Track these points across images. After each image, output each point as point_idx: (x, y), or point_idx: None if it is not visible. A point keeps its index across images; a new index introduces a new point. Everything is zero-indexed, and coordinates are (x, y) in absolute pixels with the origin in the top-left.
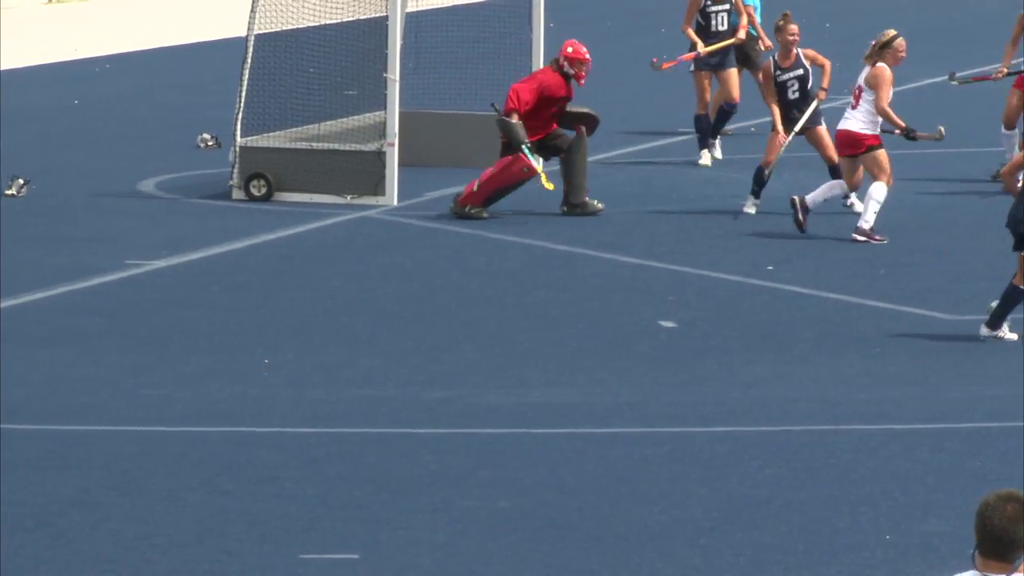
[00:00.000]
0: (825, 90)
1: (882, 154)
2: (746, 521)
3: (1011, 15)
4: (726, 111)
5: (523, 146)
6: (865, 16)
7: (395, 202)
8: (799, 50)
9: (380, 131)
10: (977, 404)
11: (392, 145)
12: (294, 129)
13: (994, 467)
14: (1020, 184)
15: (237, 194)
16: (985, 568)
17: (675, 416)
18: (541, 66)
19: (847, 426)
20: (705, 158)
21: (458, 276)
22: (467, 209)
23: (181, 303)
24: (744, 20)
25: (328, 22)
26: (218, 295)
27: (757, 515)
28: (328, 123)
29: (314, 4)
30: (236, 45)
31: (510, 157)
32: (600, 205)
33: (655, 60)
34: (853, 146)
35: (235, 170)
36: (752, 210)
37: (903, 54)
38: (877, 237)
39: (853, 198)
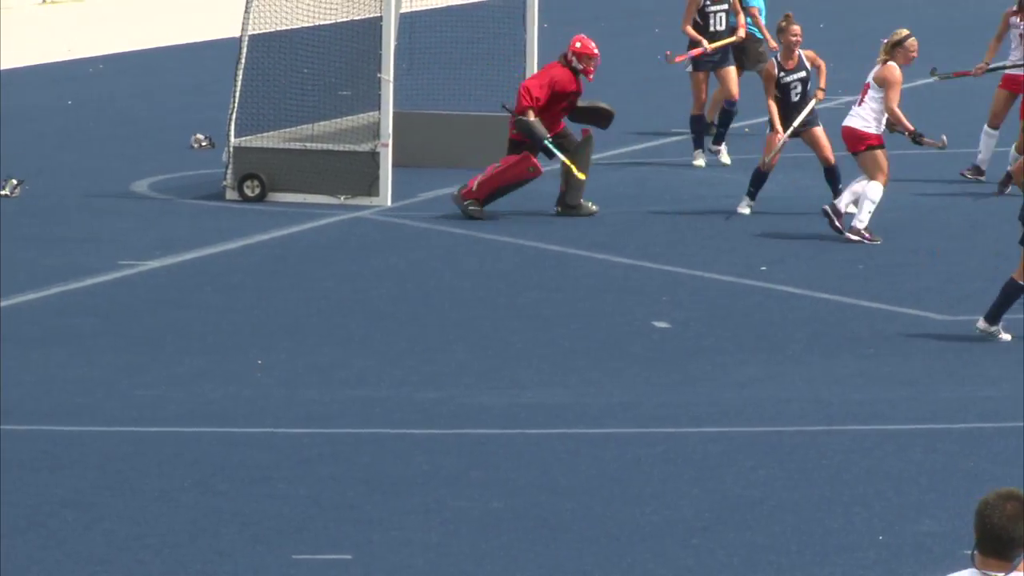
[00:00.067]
0: (823, 90)
1: (880, 154)
2: (739, 521)
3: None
4: (728, 112)
5: (546, 141)
6: (862, 16)
7: (389, 203)
8: (801, 52)
9: (374, 132)
10: (970, 405)
11: (386, 146)
12: (288, 129)
13: (987, 467)
14: None
15: (231, 194)
16: (984, 566)
17: (668, 416)
18: (535, 67)
19: (840, 426)
20: (699, 159)
21: (451, 277)
22: (467, 204)
23: (174, 304)
24: (742, 19)
25: (322, 23)
26: (212, 296)
27: (750, 515)
28: (322, 123)
29: (308, 5)
30: (230, 45)
31: (517, 156)
32: (595, 207)
33: (668, 53)
34: (854, 143)
35: (229, 170)
36: (746, 211)
37: (914, 54)
38: (871, 236)
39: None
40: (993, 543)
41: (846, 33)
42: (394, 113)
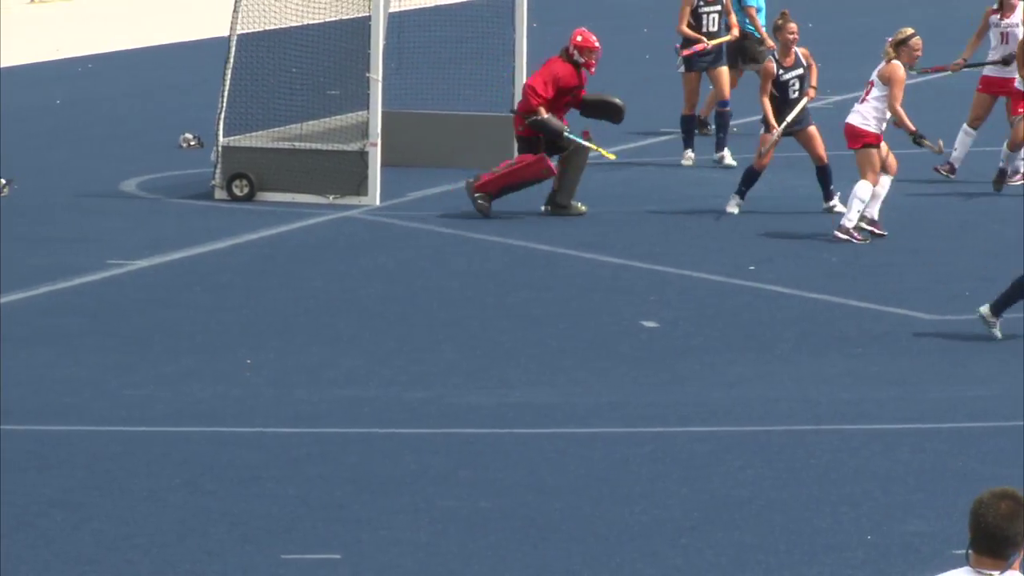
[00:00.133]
0: (815, 88)
1: (874, 153)
2: (727, 521)
3: None
4: (723, 115)
5: (565, 133)
6: (848, 15)
7: (378, 202)
8: (797, 49)
9: (363, 131)
10: (959, 404)
11: (375, 145)
12: (277, 129)
13: (975, 467)
14: None
15: (219, 194)
16: (979, 565)
17: (656, 416)
18: (524, 66)
19: (828, 426)
20: (688, 158)
21: (440, 276)
22: (476, 197)
23: (163, 303)
24: (734, 19)
25: (310, 22)
26: (200, 295)
27: (738, 515)
28: (311, 123)
29: (297, 4)
30: (218, 45)
31: (534, 156)
32: (584, 208)
33: (677, 46)
34: (851, 140)
35: (217, 170)
36: (735, 210)
37: (919, 52)
38: (858, 236)
39: (836, 200)
40: (988, 542)
41: (833, 32)
42: (383, 112)
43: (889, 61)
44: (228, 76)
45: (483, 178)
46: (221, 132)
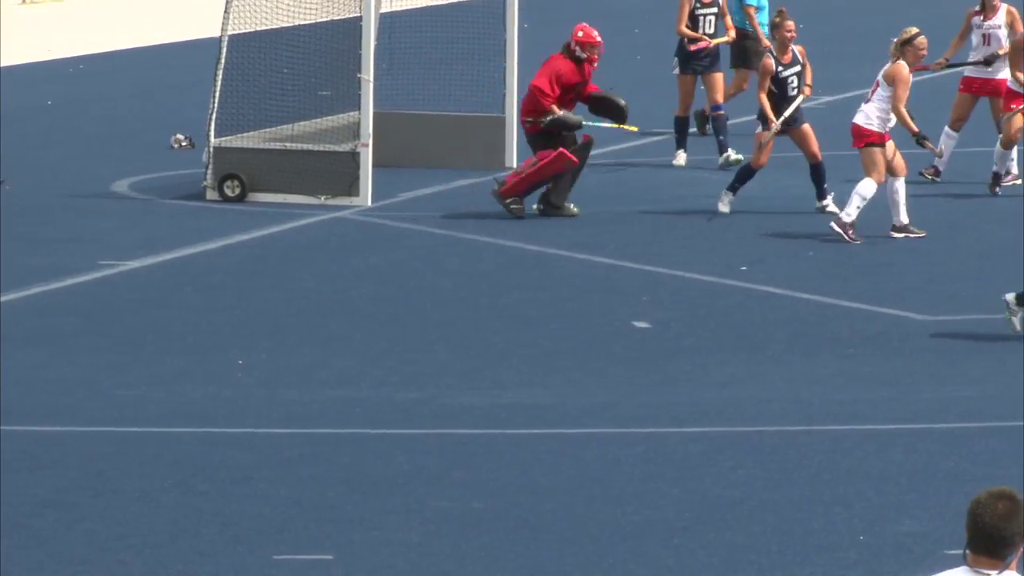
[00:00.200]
0: (810, 86)
1: (877, 152)
2: (719, 522)
3: None
4: (718, 118)
5: (585, 122)
6: (851, 16)
7: (369, 203)
8: (794, 47)
9: (354, 132)
10: (951, 405)
11: (366, 146)
12: (268, 130)
13: (968, 468)
14: None
15: (211, 195)
16: (977, 565)
17: (648, 417)
18: (516, 67)
19: (821, 427)
20: (680, 159)
21: (432, 277)
22: (509, 203)
23: (155, 303)
24: (729, 21)
25: (302, 22)
26: (192, 296)
27: (730, 516)
28: (302, 124)
29: (288, 5)
30: (210, 45)
31: (553, 152)
32: (576, 210)
33: (691, 46)
34: (856, 140)
35: (209, 171)
36: (727, 208)
37: (924, 52)
38: (852, 234)
39: (828, 199)
40: (985, 542)
41: (832, 32)
42: (374, 113)
43: (895, 61)
44: (219, 77)
45: (508, 182)
46: (212, 133)
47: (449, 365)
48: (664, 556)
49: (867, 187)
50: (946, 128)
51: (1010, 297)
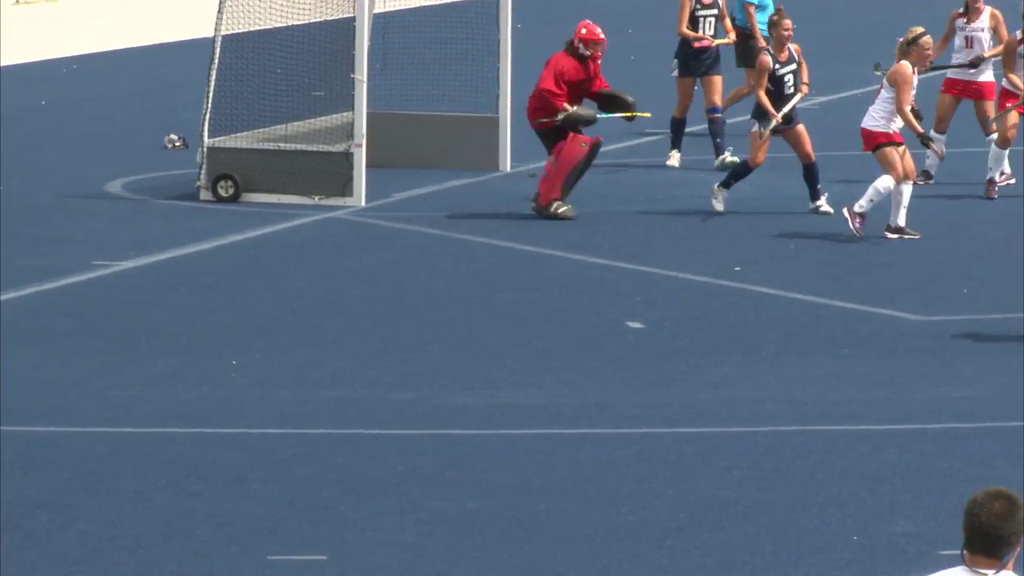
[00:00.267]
0: (808, 84)
1: (890, 151)
2: (713, 522)
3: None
4: (715, 121)
5: (599, 115)
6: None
7: (363, 203)
8: (791, 46)
9: (348, 132)
10: (945, 405)
11: (360, 146)
12: (262, 130)
13: (962, 468)
14: None
15: (205, 195)
16: (974, 564)
17: (642, 417)
18: (509, 67)
19: (815, 427)
20: (674, 159)
21: (426, 277)
22: (553, 208)
23: (149, 304)
24: (728, 23)
25: (295, 23)
26: (186, 296)
27: (724, 516)
28: (296, 124)
29: (281, 5)
30: (203, 46)
31: (562, 141)
32: (572, 214)
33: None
34: (866, 144)
35: (202, 171)
36: (721, 206)
37: (929, 52)
38: (858, 225)
39: (822, 200)
40: (982, 541)
41: (832, 33)
42: (368, 113)
43: (899, 61)
44: (213, 77)
45: (541, 189)
46: (206, 133)
47: (443, 365)
48: (658, 556)
49: (885, 182)
50: (931, 132)
51: None
